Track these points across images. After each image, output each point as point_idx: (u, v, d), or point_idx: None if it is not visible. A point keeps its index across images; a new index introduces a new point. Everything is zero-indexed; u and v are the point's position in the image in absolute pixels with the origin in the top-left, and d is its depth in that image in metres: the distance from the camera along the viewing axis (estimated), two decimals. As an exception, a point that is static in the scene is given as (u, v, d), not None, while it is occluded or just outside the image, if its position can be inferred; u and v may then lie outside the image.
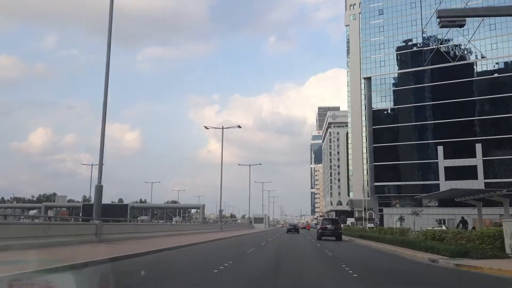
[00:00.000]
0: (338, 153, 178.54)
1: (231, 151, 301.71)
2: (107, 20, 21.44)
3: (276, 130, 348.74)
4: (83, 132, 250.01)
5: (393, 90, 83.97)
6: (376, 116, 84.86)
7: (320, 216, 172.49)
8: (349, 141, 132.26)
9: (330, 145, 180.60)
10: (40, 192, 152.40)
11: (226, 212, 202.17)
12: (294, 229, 62.09)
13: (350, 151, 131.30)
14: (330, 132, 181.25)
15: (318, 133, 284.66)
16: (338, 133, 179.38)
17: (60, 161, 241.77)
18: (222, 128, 48.86)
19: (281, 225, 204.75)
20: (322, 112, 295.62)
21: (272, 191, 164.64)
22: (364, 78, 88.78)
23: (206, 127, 62.51)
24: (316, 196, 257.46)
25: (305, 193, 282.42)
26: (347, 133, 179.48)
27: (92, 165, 79.59)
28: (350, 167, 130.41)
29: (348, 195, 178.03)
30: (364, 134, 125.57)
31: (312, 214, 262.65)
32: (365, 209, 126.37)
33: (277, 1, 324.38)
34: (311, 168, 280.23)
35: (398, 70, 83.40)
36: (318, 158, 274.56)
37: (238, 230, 64.92)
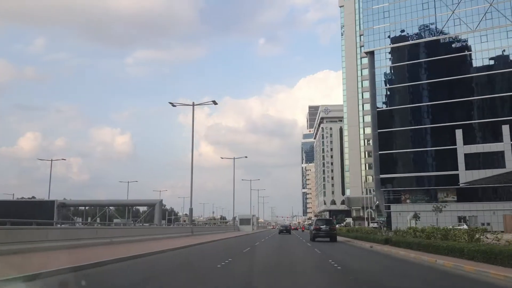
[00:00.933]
0: (331, 149, 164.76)
1: (222, 153, 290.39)
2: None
3: (267, 132, 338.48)
4: (73, 136, 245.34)
5: (400, 66, 70.07)
6: (380, 97, 70.91)
7: (316, 215, 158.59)
8: (345, 133, 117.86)
9: (323, 141, 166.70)
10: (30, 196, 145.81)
11: (217, 214, 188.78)
12: (285, 230, 62.12)
13: (346, 144, 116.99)
14: (322, 128, 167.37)
15: (310, 131, 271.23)
16: (331, 128, 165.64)
17: (50, 165, 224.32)
18: (193, 105, 44.64)
19: (272, 227, 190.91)
20: (313, 111, 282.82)
21: (261, 191, 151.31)
22: (367, 53, 74.65)
23: (172, 104, 46.55)
24: (307, 196, 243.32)
25: (297, 194, 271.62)
26: (340, 128, 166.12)
27: (52, 160, 65.90)
28: (346, 162, 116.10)
29: (343, 193, 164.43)
30: (361, 125, 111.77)
31: (304, 215, 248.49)
32: (363, 208, 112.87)
33: (266, 3, 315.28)
34: (302, 167, 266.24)
35: (406, 41, 69.28)
36: (309, 158, 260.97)
37: (216, 234, 50.64)
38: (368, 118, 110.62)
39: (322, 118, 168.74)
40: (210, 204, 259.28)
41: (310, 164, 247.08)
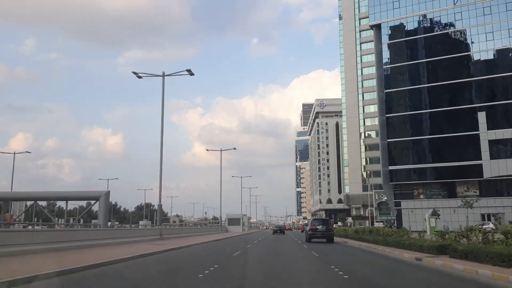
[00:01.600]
0: (327, 145, 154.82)
1: (215, 154, 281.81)
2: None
3: (261, 132, 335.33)
4: (64, 137, 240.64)
5: (412, 40, 59.86)
6: (388, 76, 60.68)
7: (313, 215, 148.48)
8: (344, 125, 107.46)
9: (318, 137, 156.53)
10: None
11: (209, 214, 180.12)
12: (280, 230, 62.05)
13: (345, 137, 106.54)
14: (317, 123, 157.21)
15: (304, 129, 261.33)
16: (326, 123, 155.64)
17: (42, 166, 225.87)
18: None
19: (265, 227, 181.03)
20: (307, 109, 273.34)
21: (254, 189, 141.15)
22: (372, 27, 64.28)
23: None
24: (302, 195, 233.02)
25: (291, 194, 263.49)
26: (337, 124, 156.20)
27: (14, 153, 54.95)
28: (345, 156, 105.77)
29: (339, 192, 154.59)
30: (361, 116, 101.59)
31: (298, 215, 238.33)
32: (363, 206, 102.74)
33: (260, 2, 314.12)
34: (296, 166, 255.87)
35: (418, 11, 58.92)
36: (304, 156, 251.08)
37: (196, 237, 40.47)
38: (369, 109, 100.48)
39: (317, 113, 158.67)
40: (202, 204, 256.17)
41: (304, 163, 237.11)
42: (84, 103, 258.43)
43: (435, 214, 48.32)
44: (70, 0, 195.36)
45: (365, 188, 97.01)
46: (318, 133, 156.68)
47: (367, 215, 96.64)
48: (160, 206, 36.37)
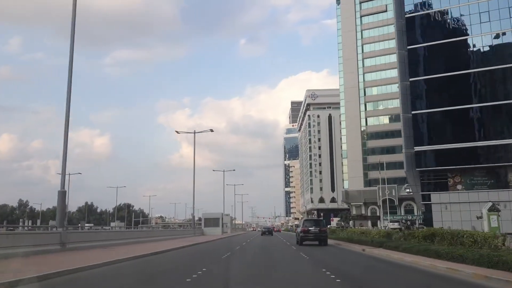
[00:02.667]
0: (319, 140, 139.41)
1: (203, 155, 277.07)
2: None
3: (249, 133, 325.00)
4: (51, 138, 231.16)
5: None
6: (413, 27, 45.10)
7: (308, 213, 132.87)
8: (342, 110, 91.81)
9: (309, 131, 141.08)
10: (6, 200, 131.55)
11: (197, 216, 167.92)
12: (268, 231, 62.11)
13: (343, 124, 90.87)
14: (309, 116, 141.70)
15: (293, 126, 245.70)
16: (318, 116, 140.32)
17: (28, 168, 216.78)
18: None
19: (252, 229, 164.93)
20: (296, 107, 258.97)
21: (239, 187, 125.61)
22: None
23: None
24: (291, 195, 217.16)
25: (279, 195, 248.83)
26: (329, 116, 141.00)
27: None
28: (344, 147, 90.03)
29: (333, 189, 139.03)
30: (362, 100, 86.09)
31: (287, 215, 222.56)
32: (366, 204, 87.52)
33: (248, 3, 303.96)
34: (284, 165, 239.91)
35: None
36: (293, 154, 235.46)
37: (137, 245, 23.50)
38: (371, 91, 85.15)
39: (308, 105, 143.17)
40: (186, 205, 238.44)
41: (294, 161, 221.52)
42: (71, 103, 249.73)
43: (494, 209, 32.64)
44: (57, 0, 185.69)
45: (367, 183, 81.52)
46: (309, 127, 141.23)
47: (369, 214, 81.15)
48: (62, 193, 20.07)
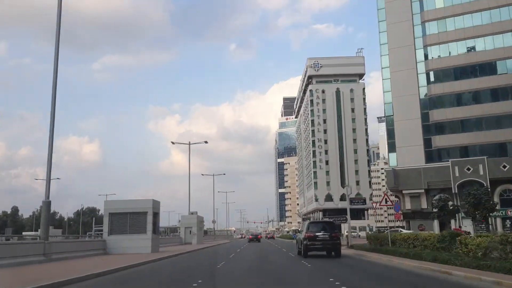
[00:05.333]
0: (324, 121, 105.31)
1: (194, 161, 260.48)
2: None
3: (240, 139, 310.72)
4: (38, 146, 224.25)
5: None
6: None
7: (317, 216, 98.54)
8: (385, 49, 55.81)
9: (312, 111, 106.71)
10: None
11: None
12: (255, 238, 59.34)
13: (386, 73, 55.24)
14: (311, 91, 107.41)
15: (287, 119, 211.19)
16: (323, 91, 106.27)
17: (15, 176, 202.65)
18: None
19: (241, 236, 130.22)
20: (289, 103, 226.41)
21: (227, 188, 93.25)
22: None
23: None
24: (286, 196, 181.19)
25: (272, 200, 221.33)
26: (337, 92, 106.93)
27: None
28: (388, 97, 54.14)
29: (343, 184, 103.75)
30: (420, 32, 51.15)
31: (281, 220, 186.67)
32: (428, 191, 49.71)
33: (238, 8, 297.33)
34: (278, 163, 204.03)
35: None
36: (287, 151, 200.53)
37: None
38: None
39: (310, 78, 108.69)
40: (176, 212, 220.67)
41: (289, 157, 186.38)
42: (59, 110, 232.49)
43: None
44: (44, 4, 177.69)
45: (429, 157, 46.11)
46: (311, 105, 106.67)
47: (436, 207, 45.64)
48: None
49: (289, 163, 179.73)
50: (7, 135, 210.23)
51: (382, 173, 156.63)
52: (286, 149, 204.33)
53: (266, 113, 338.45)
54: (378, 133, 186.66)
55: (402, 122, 45.42)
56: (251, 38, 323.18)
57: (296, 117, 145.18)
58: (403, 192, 44.99)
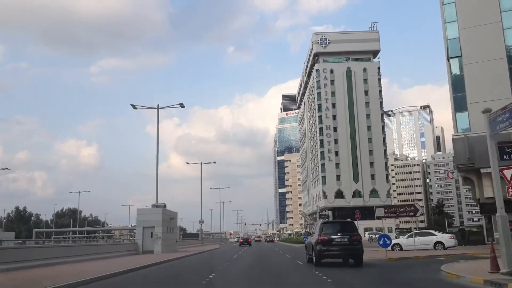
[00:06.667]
0: (333, 105, 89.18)
1: (192, 164, 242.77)
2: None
3: (239, 142, 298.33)
4: (36, 150, 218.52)
5: None
6: None
7: (322, 215, 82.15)
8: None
9: (319, 94, 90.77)
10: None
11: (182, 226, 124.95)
12: (246, 242, 54.62)
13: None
14: (317, 71, 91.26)
15: (287, 114, 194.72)
16: (332, 71, 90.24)
17: (13, 180, 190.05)
18: (201, 164, 46.76)
19: (237, 240, 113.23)
20: (288, 100, 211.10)
21: (224, 194, 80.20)
22: None
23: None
24: (286, 196, 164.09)
25: (271, 202, 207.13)
26: (348, 71, 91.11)
27: None
28: (454, 40, 37.48)
29: (356, 179, 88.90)
30: None
31: (281, 222, 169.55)
32: None
33: (236, 10, 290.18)
34: (276, 161, 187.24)
35: None
36: (288, 148, 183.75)
37: None
38: None
39: (316, 56, 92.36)
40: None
41: (290, 154, 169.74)
42: (56, 114, 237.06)
43: None
44: (41, 6, 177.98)
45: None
46: (317, 87, 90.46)
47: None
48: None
49: (289, 160, 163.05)
50: (4, 139, 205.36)
51: (392, 170, 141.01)
52: (286, 148, 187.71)
53: (265, 116, 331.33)
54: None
55: (477, 65, 28.87)
56: (250, 40, 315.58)
57: (298, 108, 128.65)
58: (482, 171, 28.32)
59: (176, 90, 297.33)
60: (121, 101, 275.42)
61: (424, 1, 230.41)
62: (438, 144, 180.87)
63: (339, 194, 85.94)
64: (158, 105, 32.45)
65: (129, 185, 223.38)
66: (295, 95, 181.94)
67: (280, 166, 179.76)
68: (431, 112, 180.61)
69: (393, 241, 26.14)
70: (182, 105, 32.73)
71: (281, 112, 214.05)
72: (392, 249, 25.17)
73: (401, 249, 25.52)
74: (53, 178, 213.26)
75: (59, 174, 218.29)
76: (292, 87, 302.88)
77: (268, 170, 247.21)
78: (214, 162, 52.86)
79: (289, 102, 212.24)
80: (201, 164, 52.76)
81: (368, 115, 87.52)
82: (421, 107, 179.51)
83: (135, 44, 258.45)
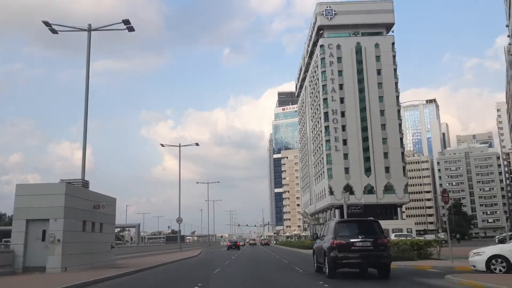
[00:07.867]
0: (341, 87, 75.32)
1: (187, 167, 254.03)
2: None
3: (233, 144, 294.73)
4: (30, 152, 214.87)
5: None
6: None
7: (334, 218, 68.93)
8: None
9: (324, 72, 76.33)
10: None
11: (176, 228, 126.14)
12: (234, 245, 53.92)
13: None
14: (321, 47, 77.31)
15: (283, 109, 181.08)
16: (338, 46, 76.52)
17: (6, 182, 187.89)
18: (179, 146, 45.70)
19: (228, 244, 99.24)
20: (284, 98, 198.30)
21: (217, 196, 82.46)
22: None
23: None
24: (283, 196, 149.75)
25: (267, 203, 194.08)
26: (357, 46, 77.61)
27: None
28: None
29: (368, 172, 75.55)
30: None
31: (278, 224, 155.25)
32: None
33: (231, 13, 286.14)
34: (272, 159, 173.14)
35: None
36: (285, 146, 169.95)
37: None
38: None
39: (320, 29, 78.51)
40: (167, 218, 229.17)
41: (287, 150, 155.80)
42: (50, 116, 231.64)
43: None
44: (36, 7, 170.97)
45: None
46: (322, 65, 76.80)
47: None
48: None
49: (287, 157, 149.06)
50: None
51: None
52: (282, 146, 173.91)
53: (260, 118, 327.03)
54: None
55: None
56: (245, 42, 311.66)
57: (297, 96, 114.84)
58: None
59: (171, 92, 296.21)
60: (116, 103, 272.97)
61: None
62: (444, 141, 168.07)
63: (348, 189, 71.96)
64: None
65: (123, 187, 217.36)
66: (291, 92, 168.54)
67: (276, 165, 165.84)
68: (437, 106, 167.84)
69: (489, 250, 12.77)
70: (128, 24, 20.93)
71: (277, 107, 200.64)
72: (490, 269, 12.30)
73: (509, 268, 11.91)
74: (47, 180, 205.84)
75: (53, 176, 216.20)
76: (288, 88, 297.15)
77: (264, 173, 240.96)
78: (197, 144, 46.57)
79: (285, 100, 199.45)
80: (179, 146, 46.75)
81: (381, 98, 74.02)
82: (427, 101, 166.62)
83: (130, 46, 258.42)
